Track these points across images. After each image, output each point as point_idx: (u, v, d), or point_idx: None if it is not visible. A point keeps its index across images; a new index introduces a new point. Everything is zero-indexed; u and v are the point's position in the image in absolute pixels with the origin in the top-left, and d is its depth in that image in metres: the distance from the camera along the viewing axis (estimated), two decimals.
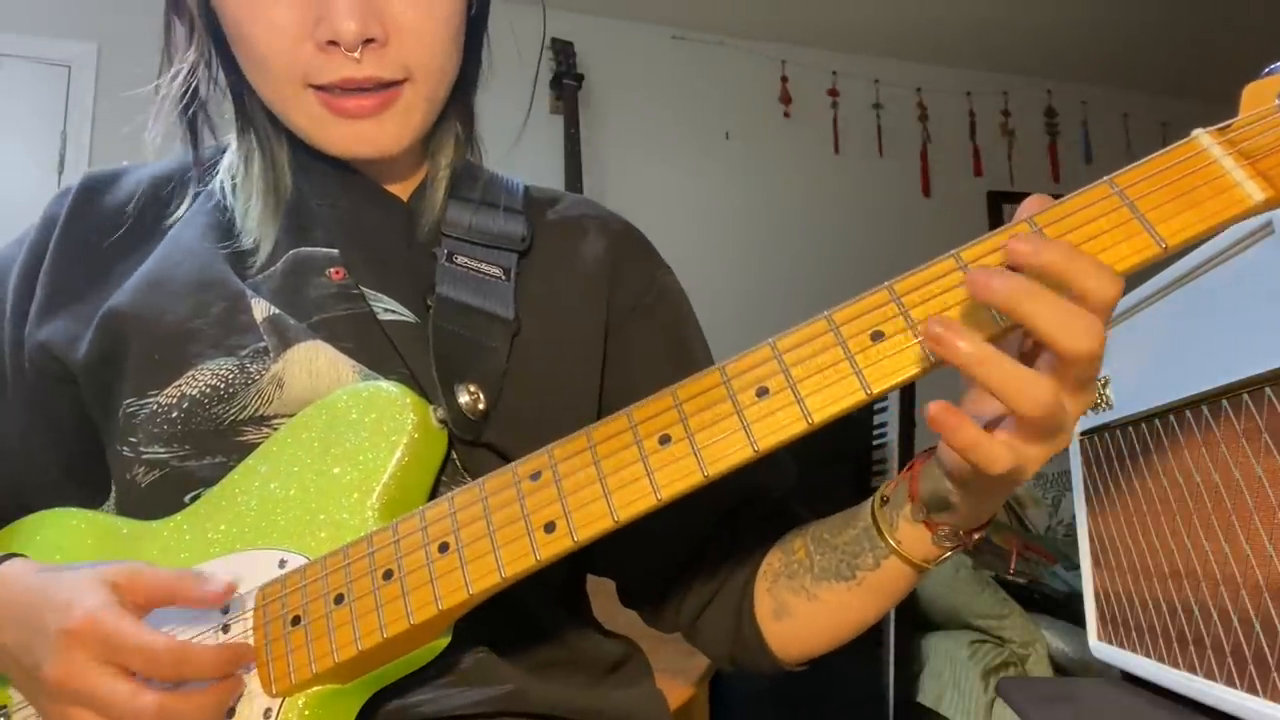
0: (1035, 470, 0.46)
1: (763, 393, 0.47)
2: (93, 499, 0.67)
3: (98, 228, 0.71)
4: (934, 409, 0.44)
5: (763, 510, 0.70)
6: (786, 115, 3.80)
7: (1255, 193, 0.43)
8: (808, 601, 0.63)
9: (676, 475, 0.48)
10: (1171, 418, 0.82)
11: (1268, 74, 0.46)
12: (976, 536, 0.55)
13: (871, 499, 0.59)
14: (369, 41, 0.61)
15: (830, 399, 0.46)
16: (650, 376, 0.59)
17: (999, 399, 0.43)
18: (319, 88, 0.63)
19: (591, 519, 0.50)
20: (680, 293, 0.78)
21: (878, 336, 0.46)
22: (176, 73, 0.68)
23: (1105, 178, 0.46)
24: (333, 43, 0.61)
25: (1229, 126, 0.45)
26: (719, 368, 0.49)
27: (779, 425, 0.47)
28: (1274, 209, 0.44)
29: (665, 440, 0.49)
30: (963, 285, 0.45)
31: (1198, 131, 0.45)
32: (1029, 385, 0.42)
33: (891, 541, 0.57)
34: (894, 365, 0.46)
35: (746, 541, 0.68)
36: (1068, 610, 2.33)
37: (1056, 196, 0.47)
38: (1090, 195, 0.45)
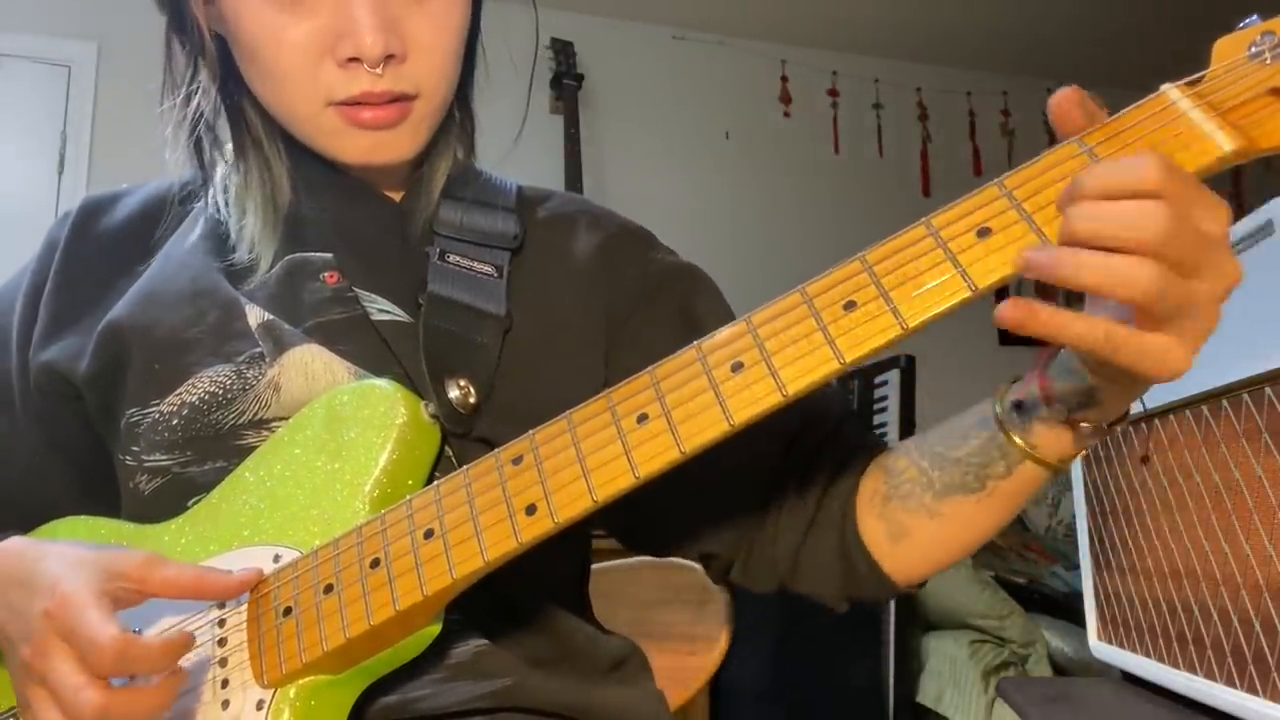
0: (1187, 339, 0.43)
1: (738, 367, 0.48)
2: (112, 513, 0.68)
3: (98, 249, 0.72)
4: (1002, 311, 0.42)
5: (823, 433, 0.67)
6: (786, 115, 3.79)
7: (1225, 143, 0.43)
8: (929, 519, 0.60)
9: (653, 452, 0.49)
10: (1171, 418, 0.83)
11: (1240, 29, 0.46)
12: (1120, 426, 0.53)
13: (988, 406, 0.57)
14: (389, 58, 0.62)
15: (804, 369, 0.47)
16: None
17: (1105, 291, 0.41)
18: (337, 103, 0.63)
19: (571, 499, 0.50)
20: (684, 269, 0.76)
21: (850, 306, 0.46)
22: (187, 96, 0.68)
23: (1074, 136, 0.45)
24: (354, 59, 0.62)
25: (1198, 80, 0.45)
26: (695, 345, 0.50)
27: (754, 398, 0.47)
28: (1246, 158, 0.43)
29: (643, 419, 0.49)
30: (934, 251, 0.45)
31: (1166, 86, 0.45)
32: (1123, 271, 0.40)
33: (1026, 447, 0.55)
34: (866, 333, 0.46)
35: (819, 468, 0.66)
36: (1068, 610, 2.33)
37: None
38: (1058, 155, 0.45)
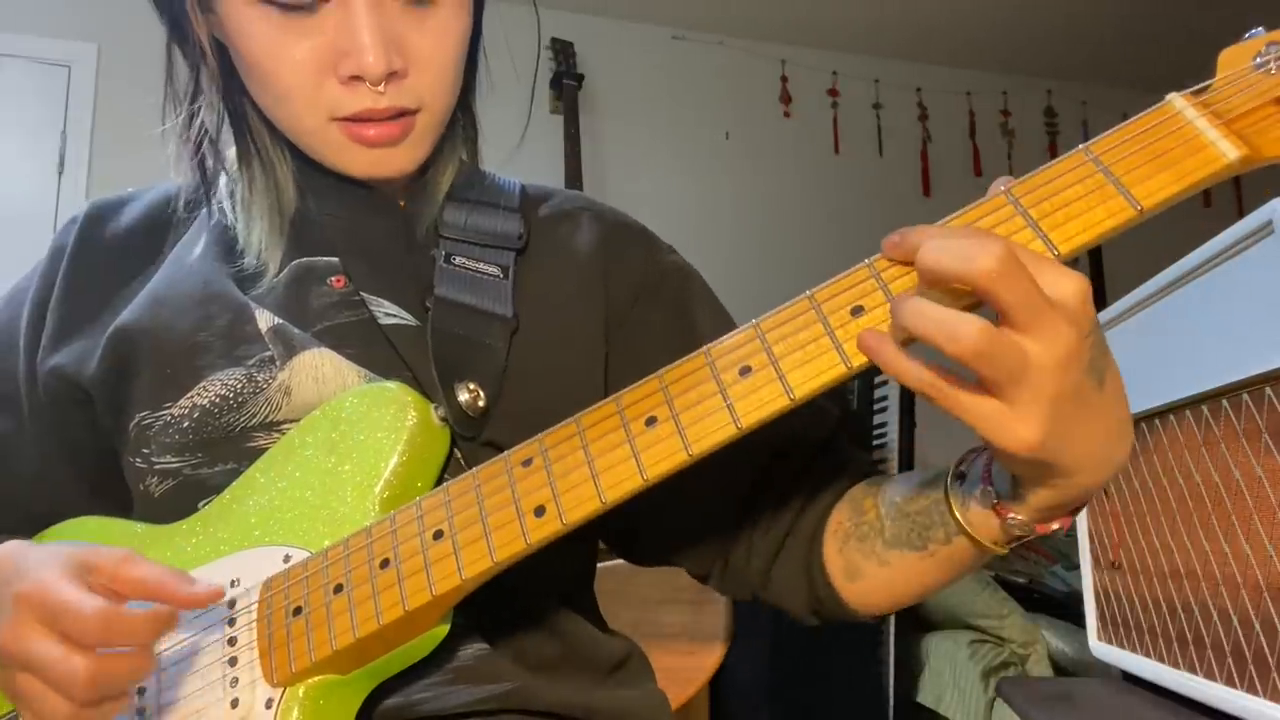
0: (1062, 449, 0.43)
1: (745, 371, 0.48)
2: (120, 514, 0.68)
3: (105, 254, 0.73)
4: (861, 335, 0.45)
5: (804, 457, 0.68)
6: (786, 115, 3.80)
7: (1229, 151, 0.43)
8: (879, 566, 0.61)
9: (661, 455, 0.49)
10: (1171, 418, 0.83)
11: (1246, 39, 0.46)
12: (1055, 527, 0.52)
13: (949, 469, 0.57)
14: (392, 74, 0.62)
15: (811, 373, 0.47)
16: (662, 361, 0.59)
17: (934, 343, 0.42)
18: (340, 118, 0.64)
19: (580, 501, 0.51)
20: (685, 271, 0.77)
21: (858, 311, 0.47)
22: (190, 113, 0.69)
23: (1081, 145, 0.46)
24: (356, 77, 0.62)
25: (1204, 89, 0.46)
26: (704, 350, 0.50)
27: (761, 402, 0.48)
28: (1250, 167, 0.44)
29: (651, 422, 0.50)
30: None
31: (1171, 95, 0.46)
32: (951, 324, 0.41)
33: (962, 521, 0.54)
34: None
35: (796, 491, 0.67)
36: (1068, 610, 2.33)
37: None
38: (1066, 163, 0.46)
